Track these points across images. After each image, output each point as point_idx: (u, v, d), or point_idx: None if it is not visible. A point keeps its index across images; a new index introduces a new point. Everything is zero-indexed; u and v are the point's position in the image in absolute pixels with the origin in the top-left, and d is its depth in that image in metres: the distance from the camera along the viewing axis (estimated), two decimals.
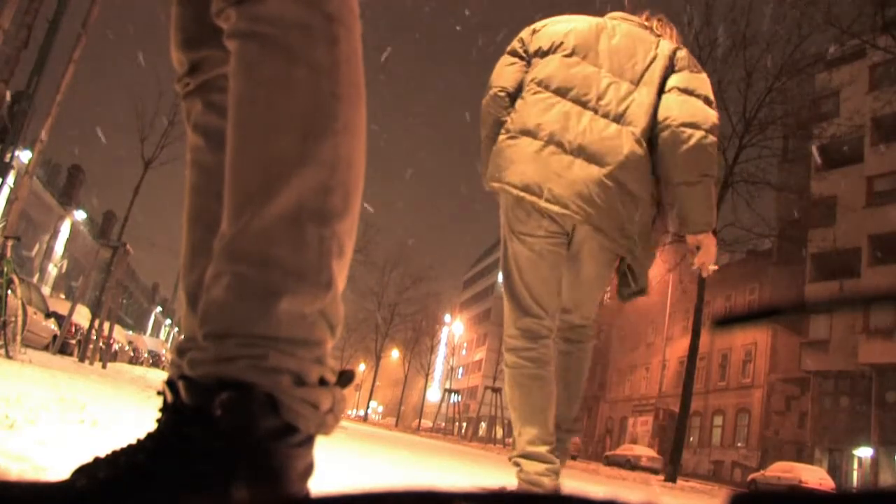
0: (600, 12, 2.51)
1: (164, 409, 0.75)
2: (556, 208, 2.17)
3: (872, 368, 25.79)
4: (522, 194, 2.22)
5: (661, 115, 2.25)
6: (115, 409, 2.85)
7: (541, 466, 2.19)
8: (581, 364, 2.44)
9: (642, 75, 2.27)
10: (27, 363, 5.53)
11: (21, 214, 8.13)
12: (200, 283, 0.78)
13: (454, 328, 55.26)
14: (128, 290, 41.44)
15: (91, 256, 13.95)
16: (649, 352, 40.94)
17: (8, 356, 6.03)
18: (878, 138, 27.46)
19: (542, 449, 2.21)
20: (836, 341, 27.25)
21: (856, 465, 27.21)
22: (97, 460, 0.70)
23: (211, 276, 0.76)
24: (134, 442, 0.72)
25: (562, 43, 2.34)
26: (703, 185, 2.25)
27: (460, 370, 69.15)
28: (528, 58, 2.41)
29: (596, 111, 2.23)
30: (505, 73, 2.42)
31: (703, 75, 2.35)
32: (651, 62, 2.30)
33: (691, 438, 33.73)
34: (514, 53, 2.44)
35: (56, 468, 1.17)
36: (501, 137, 2.34)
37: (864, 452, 26.37)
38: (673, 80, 2.30)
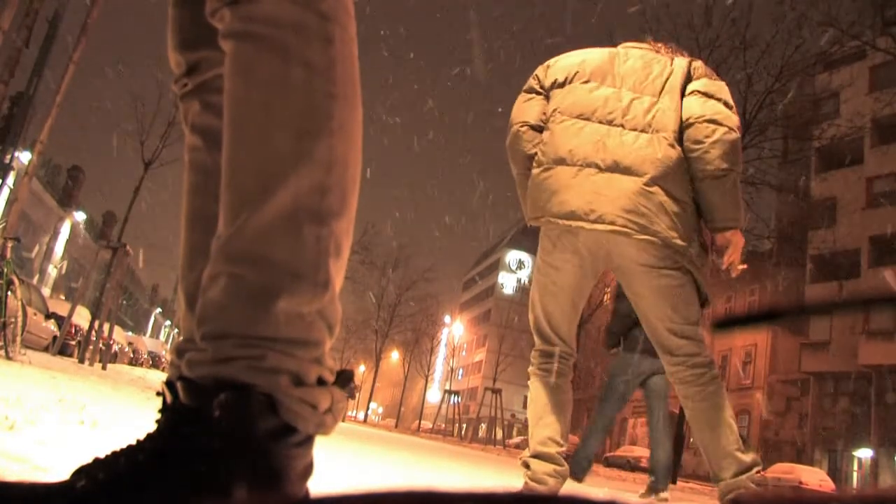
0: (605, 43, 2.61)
1: (164, 409, 0.75)
2: (604, 227, 2.17)
3: (872, 370, 25.78)
4: (568, 223, 2.22)
5: (684, 115, 2.27)
6: (114, 410, 2.84)
7: (549, 467, 2.26)
8: (706, 401, 2.22)
9: (663, 87, 2.30)
10: (27, 364, 5.53)
11: (21, 215, 8.13)
12: (199, 283, 0.78)
13: (454, 329, 55.25)
14: (127, 291, 41.44)
15: (91, 257, 13.95)
16: None
17: (8, 357, 6.03)
18: (878, 139, 27.46)
19: (552, 449, 2.28)
20: (836, 343, 27.24)
21: (856, 467, 27.20)
22: (97, 461, 0.70)
23: (208, 276, 0.76)
24: (134, 443, 0.72)
25: (577, 72, 2.38)
26: (729, 178, 2.23)
27: (460, 371, 69.12)
28: (545, 92, 2.44)
29: (623, 126, 2.25)
30: (524, 108, 2.45)
31: (722, 83, 2.37)
32: (669, 75, 2.32)
33: (691, 439, 33.70)
34: (530, 90, 2.48)
35: (56, 469, 1.17)
36: (536, 171, 2.35)
37: (864, 453, 26.36)
38: (693, 85, 2.32)
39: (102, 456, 0.71)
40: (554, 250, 2.33)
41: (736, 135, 2.26)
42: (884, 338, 25.03)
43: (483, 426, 42.91)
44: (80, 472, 0.69)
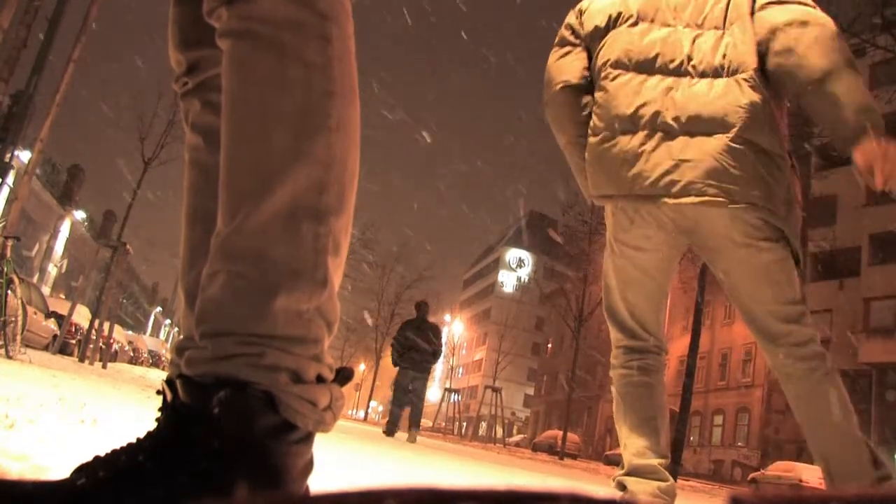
0: None
1: (164, 408, 0.76)
2: (691, 200, 1.80)
3: (873, 368, 25.80)
4: (647, 199, 1.87)
5: (764, 28, 1.86)
6: (115, 409, 2.84)
7: (650, 485, 1.89)
8: (820, 399, 1.89)
9: (726, 14, 1.91)
10: (27, 363, 5.53)
11: (21, 214, 8.13)
12: (199, 281, 0.78)
13: (454, 327, 55.25)
14: (128, 289, 41.45)
15: (91, 256, 13.95)
16: None
17: (8, 356, 6.03)
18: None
19: (653, 461, 1.92)
20: (837, 341, 27.28)
21: None
22: (97, 459, 0.70)
23: (207, 274, 0.76)
24: (134, 441, 0.72)
25: (620, 12, 2.01)
26: (845, 73, 1.77)
27: (460, 370, 69.15)
28: (581, 42, 2.07)
29: (691, 74, 1.88)
30: (561, 65, 2.08)
31: None
32: None
33: (691, 438, 33.73)
34: (563, 42, 2.10)
35: (56, 467, 1.17)
36: (594, 140, 1.97)
37: None
38: None
39: (103, 454, 0.71)
40: (632, 227, 1.96)
41: (832, 28, 1.83)
42: (884, 336, 25.05)
43: (483, 424, 42.94)
44: (81, 471, 0.69)
